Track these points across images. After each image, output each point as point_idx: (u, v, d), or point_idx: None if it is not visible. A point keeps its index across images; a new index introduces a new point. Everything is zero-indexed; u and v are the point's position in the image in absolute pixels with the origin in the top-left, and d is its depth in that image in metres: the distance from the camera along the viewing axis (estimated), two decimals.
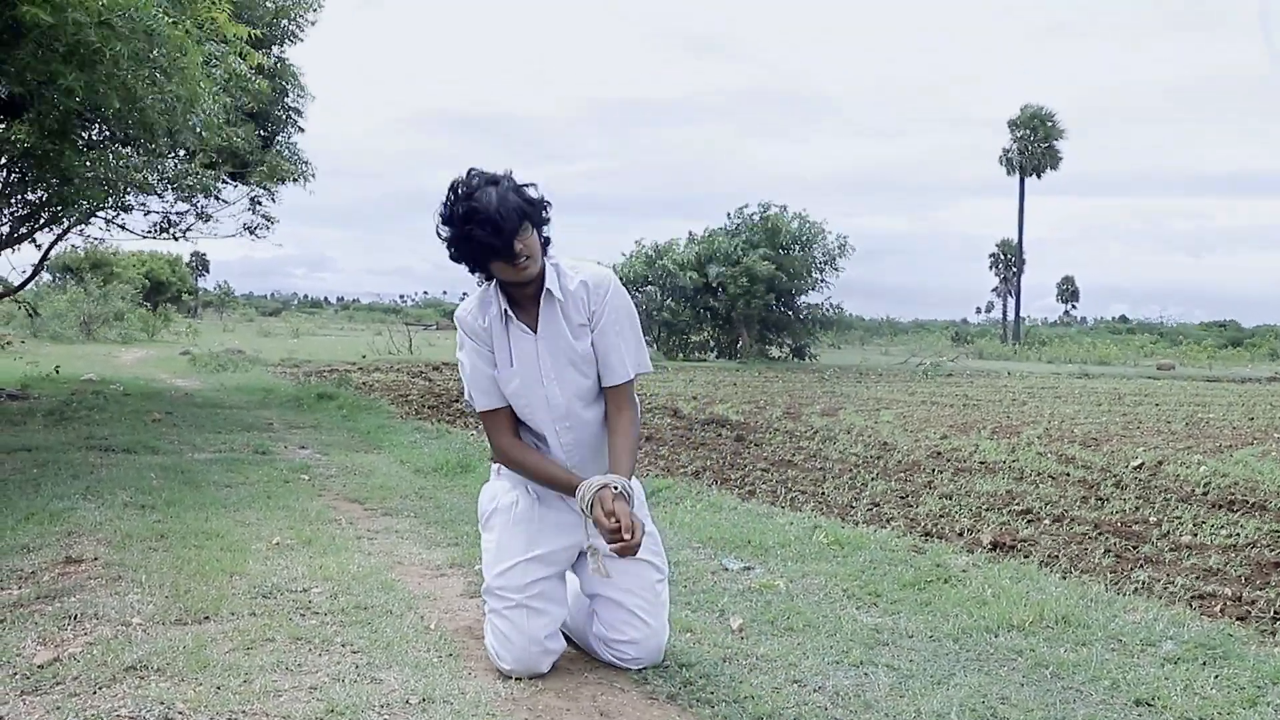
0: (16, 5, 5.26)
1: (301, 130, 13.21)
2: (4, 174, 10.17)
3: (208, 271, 76.26)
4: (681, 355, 30.08)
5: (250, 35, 8.42)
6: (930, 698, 2.72)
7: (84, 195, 9.28)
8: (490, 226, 2.64)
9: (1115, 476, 7.35)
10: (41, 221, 10.87)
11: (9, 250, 11.05)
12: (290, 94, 12.60)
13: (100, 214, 11.03)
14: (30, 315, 21.21)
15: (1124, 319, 73.45)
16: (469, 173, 2.73)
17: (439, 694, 2.62)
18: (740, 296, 28.55)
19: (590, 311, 2.86)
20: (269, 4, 11.63)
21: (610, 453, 2.89)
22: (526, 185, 2.74)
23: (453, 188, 2.71)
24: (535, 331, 2.85)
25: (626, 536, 2.68)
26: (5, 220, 10.77)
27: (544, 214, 2.77)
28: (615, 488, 2.74)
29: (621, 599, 2.90)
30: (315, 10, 12.12)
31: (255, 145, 11.62)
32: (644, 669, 2.91)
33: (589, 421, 2.92)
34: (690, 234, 31.50)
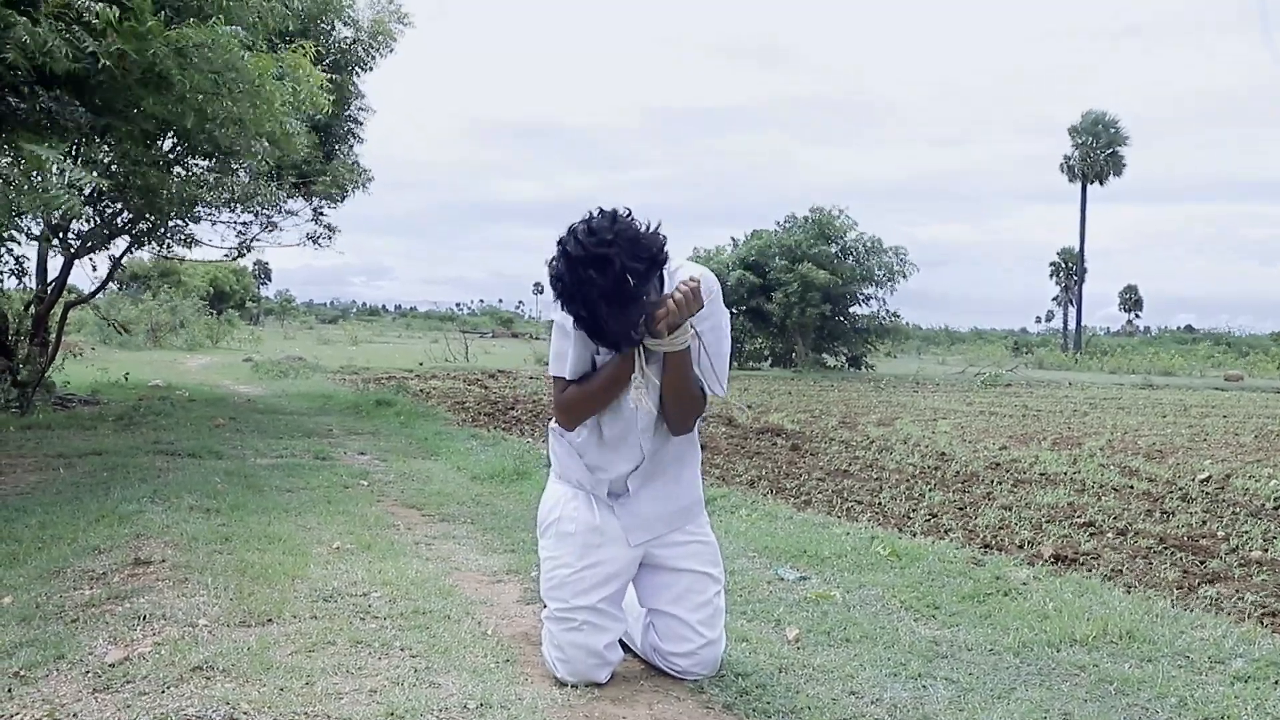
0: (100, 40, 5.41)
1: (361, 140, 13.46)
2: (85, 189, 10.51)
3: (270, 280, 77.86)
4: (736, 364, 29.99)
5: (313, 53, 8.63)
6: (990, 712, 2.69)
7: (161, 209, 9.55)
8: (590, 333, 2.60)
9: (1181, 489, 7.18)
10: (119, 228, 11.18)
11: (83, 260, 11.38)
12: (351, 106, 12.84)
13: (170, 224, 11.32)
14: (120, 332, 21.66)
15: (1190, 328, 71.60)
16: (591, 255, 2.46)
17: (496, 699, 2.65)
18: (795, 305, 28.39)
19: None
20: (346, 34, 11.89)
21: None
22: (648, 263, 2.51)
23: (568, 254, 2.49)
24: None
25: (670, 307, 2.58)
26: (82, 231, 11.08)
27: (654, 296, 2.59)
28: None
29: (679, 612, 2.89)
30: (390, 48, 12.35)
31: (318, 157, 11.85)
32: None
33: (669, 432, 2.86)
34: (733, 239, 31.60)
